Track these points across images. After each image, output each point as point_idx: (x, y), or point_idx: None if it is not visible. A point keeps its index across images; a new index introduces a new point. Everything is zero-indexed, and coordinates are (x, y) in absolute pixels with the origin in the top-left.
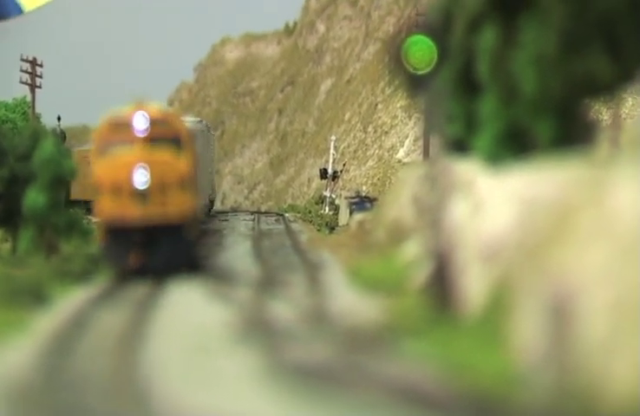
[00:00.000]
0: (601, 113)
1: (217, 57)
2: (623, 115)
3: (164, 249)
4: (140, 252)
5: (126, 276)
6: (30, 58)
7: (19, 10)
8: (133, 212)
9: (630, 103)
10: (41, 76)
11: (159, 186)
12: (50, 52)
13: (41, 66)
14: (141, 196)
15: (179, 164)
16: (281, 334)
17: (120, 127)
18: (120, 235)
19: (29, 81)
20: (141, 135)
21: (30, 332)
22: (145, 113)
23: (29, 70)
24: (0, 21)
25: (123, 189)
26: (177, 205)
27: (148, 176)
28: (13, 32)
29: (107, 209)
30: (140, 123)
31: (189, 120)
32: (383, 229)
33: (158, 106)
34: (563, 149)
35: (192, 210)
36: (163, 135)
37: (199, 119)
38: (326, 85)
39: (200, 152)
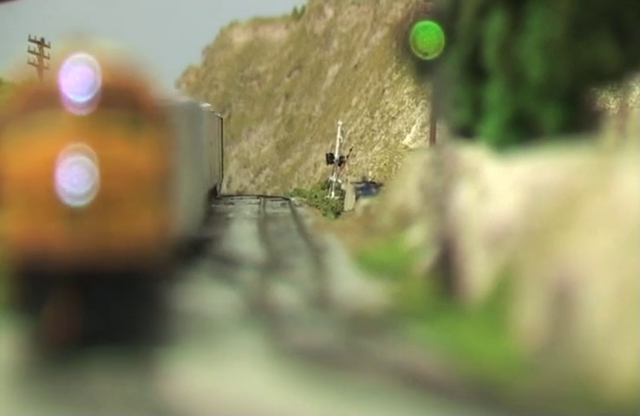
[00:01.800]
0: (608, 101)
1: (225, 41)
2: (631, 104)
3: (111, 307)
4: (70, 309)
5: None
6: (38, 39)
7: None
8: (57, 241)
9: (638, 92)
10: (48, 57)
11: (103, 197)
12: (57, 33)
13: (48, 46)
14: (72, 213)
15: (138, 156)
16: (285, 318)
17: (43, 92)
18: (38, 278)
19: (37, 62)
20: (76, 109)
21: None
22: (85, 68)
23: (37, 51)
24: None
25: (41, 200)
26: (134, 231)
27: (87, 178)
28: (21, 12)
29: (16, 232)
30: (76, 87)
31: (186, 99)
32: (389, 214)
33: (109, 51)
34: (569, 136)
35: (163, 236)
36: (114, 107)
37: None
38: (333, 70)
39: (197, 137)
